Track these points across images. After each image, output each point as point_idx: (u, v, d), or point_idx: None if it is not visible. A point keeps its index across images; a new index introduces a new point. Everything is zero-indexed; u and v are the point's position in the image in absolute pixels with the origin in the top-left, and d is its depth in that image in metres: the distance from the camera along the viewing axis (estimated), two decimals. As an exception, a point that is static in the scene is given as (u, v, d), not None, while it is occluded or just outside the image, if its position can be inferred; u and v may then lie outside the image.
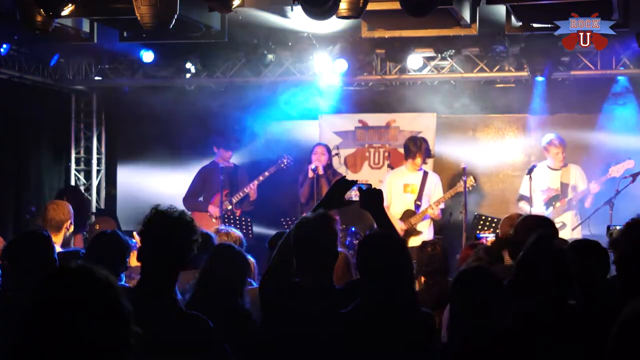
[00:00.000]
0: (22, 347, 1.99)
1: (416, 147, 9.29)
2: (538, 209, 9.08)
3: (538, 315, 3.05)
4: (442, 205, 9.31)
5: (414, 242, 8.99)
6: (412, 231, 9.14)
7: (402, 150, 9.71)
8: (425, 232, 9.22)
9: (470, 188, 9.08)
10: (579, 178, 9.24)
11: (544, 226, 4.57)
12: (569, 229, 8.97)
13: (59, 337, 1.96)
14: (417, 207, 9.25)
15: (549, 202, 9.19)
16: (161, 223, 3.40)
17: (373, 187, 4.32)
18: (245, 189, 9.51)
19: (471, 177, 9.09)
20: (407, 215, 9.24)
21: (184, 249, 3.41)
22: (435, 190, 9.32)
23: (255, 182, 9.49)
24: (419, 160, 9.29)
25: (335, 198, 4.25)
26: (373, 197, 4.23)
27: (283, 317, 3.95)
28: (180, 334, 3.30)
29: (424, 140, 9.56)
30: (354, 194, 4.77)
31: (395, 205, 9.33)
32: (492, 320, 3.21)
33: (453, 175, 10.12)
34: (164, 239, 3.39)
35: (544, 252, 3.08)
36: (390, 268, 3.73)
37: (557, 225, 8.91)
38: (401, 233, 8.94)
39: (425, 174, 9.40)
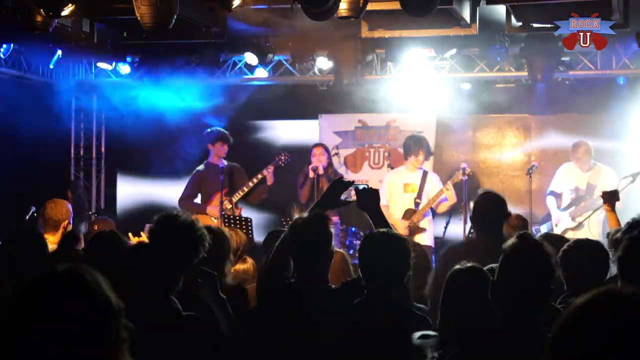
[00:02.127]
0: (4, 346, 1.99)
1: (418, 144, 9.28)
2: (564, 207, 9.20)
3: (518, 317, 3.06)
4: (444, 197, 9.26)
5: (416, 240, 9.00)
6: (415, 229, 9.13)
7: (402, 150, 9.69)
8: (429, 229, 9.21)
9: (466, 177, 9.08)
10: (608, 178, 9.19)
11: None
12: (595, 231, 8.92)
13: (40, 338, 1.95)
14: (417, 205, 9.24)
15: (574, 202, 9.22)
16: (173, 226, 3.40)
17: (369, 187, 4.32)
18: (244, 188, 9.47)
19: (467, 169, 9.11)
20: (408, 214, 9.23)
21: (190, 255, 3.41)
22: (435, 189, 9.30)
23: (272, 167, 9.39)
24: (421, 157, 9.26)
25: (332, 198, 4.26)
26: (369, 197, 4.24)
27: (280, 317, 3.95)
28: (176, 335, 3.30)
29: (424, 138, 9.56)
30: (351, 194, 4.77)
31: (396, 205, 9.32)
32: (485, 319, 3.22)
33: (452, 176, 10.12)
34: (172, 242, 3.39)
35: (524, 253, 3.09)
36: (391, 268, 3.75)
37: (573, 226, 9.03)
38: (405, 232, 8.97)
39: (425, 173, 9.39)
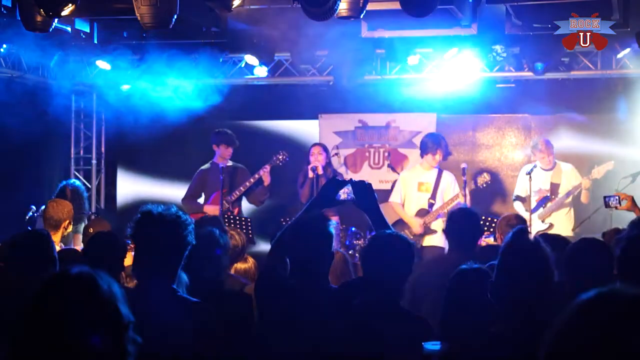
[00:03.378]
0: (19, 350, 1.98)
1: (436, 143, 9.25)
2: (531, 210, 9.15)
3: (517, 316, 3.07)
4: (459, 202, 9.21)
5: (428, 241, 8.99)
6: (426, 230, 9.11)
7: (402, 150, 9.71)
8: (440, 231, 9.16)
9: (485, 185, 9.09)
10: (570, 176, 9.21)
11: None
12: (566, 229, 8.93)
13: (56, 342, 1.95)
14: (431, 205, 9.21)
15: (540, 203, 9.20)
16: (150, 222, 3.38)
17: (363, 181, 4.32)
18: (241, 188, 9.48)
19: (485, 175, 9.11)
20: (420, 214, 9.19)
21: (176, 243, 3.40)
22: (450, 188, 9.25)
23: (268, 167, 9.39)
24: (438, 156, 9.21)
25: (327, 197, 4.25)
26: (367, 193, 4.23)
27: (278, 317, 3.94)
28: (184, 321, 3.30)
29: (442, 137, 9.52)
30: (347, 192, 4.76)
31: (410, 204, 9.29)
32: (487, 320, 3.22)
33: (457, 176, 10.12)
34: (155, 238, 3.37)
35: (519, 250, 3.11)
36: (394, 270, 3.75)
37: (544, 227, 9.01)
38: (420, 230, 8.97)
39: (440, 172, 9.35)
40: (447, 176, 9.35)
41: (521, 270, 3.07)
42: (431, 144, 9.23)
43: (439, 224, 9.17)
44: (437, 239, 9.07)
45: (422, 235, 9.01)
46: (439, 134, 9.69)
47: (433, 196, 9.22)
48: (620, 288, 1.63)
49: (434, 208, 9.16)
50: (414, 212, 9.20)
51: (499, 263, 3.15)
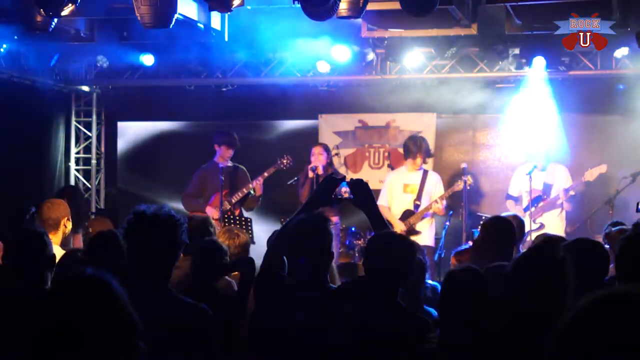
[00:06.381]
0: (35, 353, 1.99)
1: (416, 146, 9.25)
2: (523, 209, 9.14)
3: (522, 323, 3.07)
4: (444, 203, 9.22)
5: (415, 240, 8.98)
6: (411, 231, 9.11)
7: (402, 150, 9.70)
8: (426, 232, 9.18)
9: (469, 187, 9.05)
10: (562, 177, 9.21)
11: None
12: (557, 230, 8.92)
13: (73, 345, 1.96)
14: (417, 207, 9.23)
15: (533, 203, 9.19)
16: (143, 223, 3.38)
17: (359, 179, 4.32)
18: (244, 189, 9.47)
19: (469, 177, 9.08)
20: (406, 215, 9.22)
21: (170, 243, 3.39)
22: (435, 188, 9.27)
23: (261, 179, 9.42)
24: (419, 160, 9.24)
25: (324, 196, 4.24)
26: (364, 191, 4.23)
27: (277, 317, 3.94)
28: (182, 323, 3.30)
29: (423, 139, 9.54)
30: (343, 191, 4.76)
31: (395, 206, 9.32)
32: (485, 321, 3.23)
33: (453, 175, 10.13)
34: (148, 238, 3.37)
35: (535, 261, 3.11)
36: (396, 270, 3.76)
37: (535, 226, 9.00)
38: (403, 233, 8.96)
39: (425, 173, 9.37)
40: (432, 177, 9.36)
41: (536, 280, 3.06)
42: (411, 147, 9.24)
43: (424, 225, 9.18)
44: (424, 238, 9.06)
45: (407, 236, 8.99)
46: (419, 136, 9.70)
47: (419, 197, 9.23)
48: (617, 289, 1.63)
49: (420, 209, 9.17)
50: (400, 214, 9.22)
51: (517, 263, 3.14)
